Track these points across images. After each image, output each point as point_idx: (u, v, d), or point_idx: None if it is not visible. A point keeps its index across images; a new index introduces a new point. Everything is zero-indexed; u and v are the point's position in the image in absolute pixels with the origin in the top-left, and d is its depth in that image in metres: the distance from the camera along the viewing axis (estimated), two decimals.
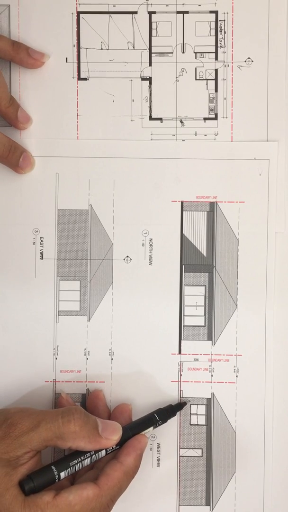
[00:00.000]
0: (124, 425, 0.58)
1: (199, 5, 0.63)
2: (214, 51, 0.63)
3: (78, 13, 0.63)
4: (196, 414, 0.63)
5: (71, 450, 0.56)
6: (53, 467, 0.55)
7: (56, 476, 0.55)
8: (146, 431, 0.59)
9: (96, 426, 0.56)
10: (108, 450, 0.57)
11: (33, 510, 0.52)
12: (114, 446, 0.57)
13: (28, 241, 0.63)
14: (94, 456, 0.56)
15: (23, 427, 0.54)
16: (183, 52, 0.63)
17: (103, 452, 0.57)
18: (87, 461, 0.56)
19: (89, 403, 0.62)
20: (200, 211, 0.63)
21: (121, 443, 0.57)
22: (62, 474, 0.55)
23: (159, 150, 0.63)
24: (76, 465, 0.56)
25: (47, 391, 0.63)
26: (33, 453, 0.54)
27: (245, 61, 0.63)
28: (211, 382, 0.63)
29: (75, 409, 0.56)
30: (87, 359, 0.63)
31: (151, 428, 0.59)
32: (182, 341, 0.63)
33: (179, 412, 0.62)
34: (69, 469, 0.55)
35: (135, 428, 0.59)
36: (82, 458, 0.56)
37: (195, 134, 0.63)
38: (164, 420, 0.60)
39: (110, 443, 0.56)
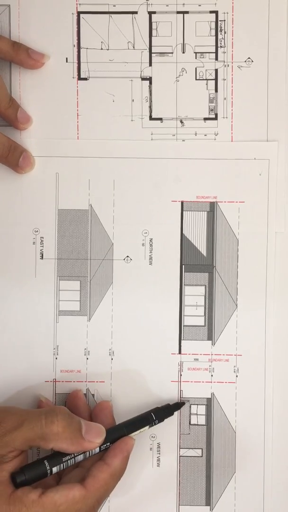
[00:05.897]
0: (106, 422, 0.59)
1: (199, 5, 0.63)
2: (214, 51, 0.63)
3: (78, 13, 0.63)
4: (196, 414, 0.63)
5: (55, 451, 0.56)
6: (45, 462, 0.55)
7: (48, 471, 0.55)
8: (142, 429, 0.59)
9: (80, 428, 0.55)
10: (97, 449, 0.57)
11: (18, 507, 0.52)
12: (103, 446, 0.57)
13: (28, 241, 0.63)
14: (87, 453, 0.56)
15: (7, 426, 0.54)
16: (183, 52, 0.63)
17: (96, 450, 0.57)
18: (80, 457, 0.56)
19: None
20: (200, 211, 0.63)
21: (115, 441, 0.57)
22: (54, 469, 0.55)
23: (159, 150, 0.63)
24: (69, 461, 0.56)
25: (47, 391, 0.63)
26: (17, 452, 0.54)
27: (245, 61, 0.63)
28: (211, 382, 0.63)
29: (59, 409, 0.55)
30: (87, 359, 0.63)
31: (147, 427, 0.59)
32: (182, 341, 0.63)
33: (179, 412, 0.62)
34: (62, 464, 0.55)
35: (131, 426, 0.59)
36: (74, 454, 0.56)
37: (195, 134, 0.63)
38: (160, 420, 0.60)
39: (92, 446, 0.56)
